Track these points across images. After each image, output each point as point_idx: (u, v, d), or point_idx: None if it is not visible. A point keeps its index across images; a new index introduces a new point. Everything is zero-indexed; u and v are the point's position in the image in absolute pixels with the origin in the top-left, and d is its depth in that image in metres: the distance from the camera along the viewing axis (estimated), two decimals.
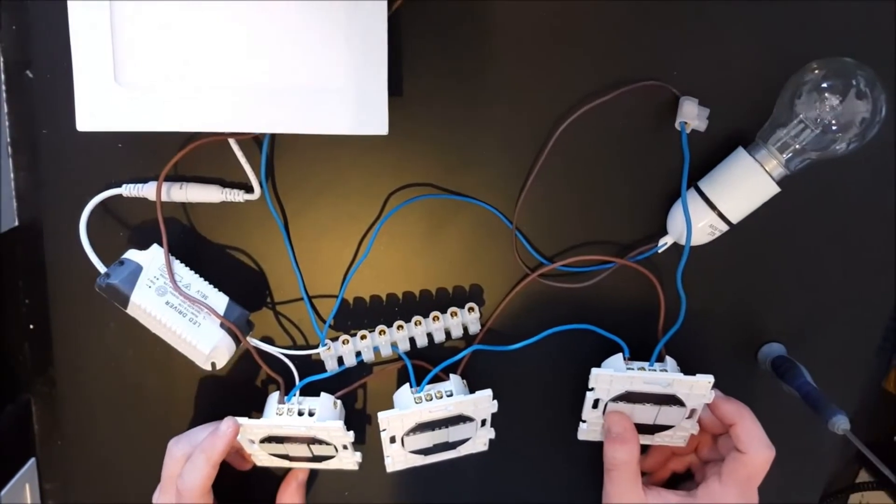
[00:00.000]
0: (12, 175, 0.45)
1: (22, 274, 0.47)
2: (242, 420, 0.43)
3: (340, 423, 0.43)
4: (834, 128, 0.38)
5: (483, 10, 0.42)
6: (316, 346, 0.46)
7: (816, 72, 0.39)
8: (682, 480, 0.48)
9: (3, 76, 0.44)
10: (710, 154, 0.43)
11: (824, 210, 0.45)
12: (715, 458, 0.45)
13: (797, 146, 0.39)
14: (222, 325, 0.42)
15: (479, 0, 0.42)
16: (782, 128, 0.40)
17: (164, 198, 0.44)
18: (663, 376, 0.42)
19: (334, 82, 0.38)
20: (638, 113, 0.44)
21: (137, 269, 0.42)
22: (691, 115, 0.42)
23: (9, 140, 0.45)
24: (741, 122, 0.43)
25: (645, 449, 0.48)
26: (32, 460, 0.50)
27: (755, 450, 0.40)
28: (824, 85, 0.38)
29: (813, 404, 0.41)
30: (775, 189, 0.41)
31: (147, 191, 0.44)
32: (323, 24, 0.38)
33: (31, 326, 0.48)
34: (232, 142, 0.43)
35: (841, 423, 0.39)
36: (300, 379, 0.45)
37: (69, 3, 0.37)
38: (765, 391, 0.47)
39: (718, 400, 0.42)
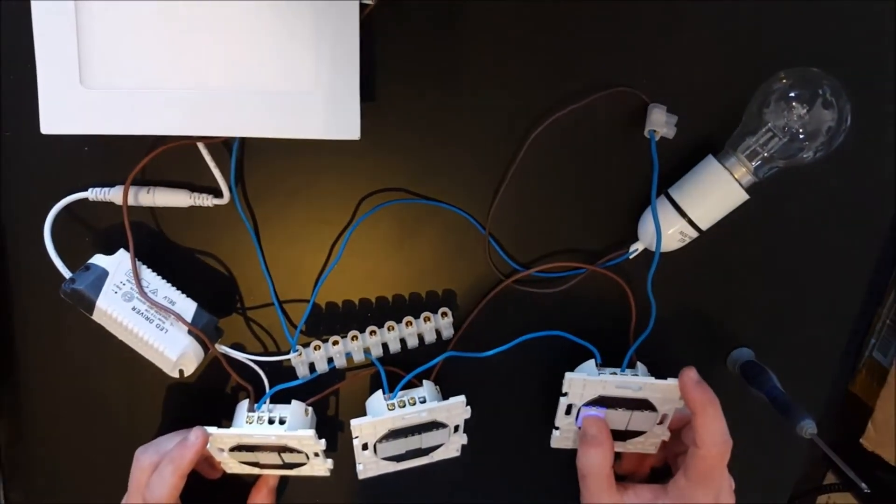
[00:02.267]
0: None
1: None
2: (211, 429, 0.42)
3: (312, 432, 0.42)
4: (801, 136, 0.39)
5: (456, 15, 0.42)
6: (287, 353, 0.46)
7: (784, 81, 0.39)
8: (663, 473, 0.49)
9: None
10: (680, 161, 0.44)
11: (792, 217, 0.46)
12: (682, 451, 0.45)
13: (765, 154, 0.40)
14: (190, 332, 0.41)
15: (453, 6, 0.42)
16: (751, 136, 0.40)
17: (131, 202, 0.43)
18: (635, 380, 0.43)
19: (306, 86, 0.38)
20: (609, 119, 0.44)
21: (103, 275, 0.41)
22: (660, 123, 0.42)
23: None
24: (710, 129, 0.43)
25: (618, 456, 0.48)
26: None
27: (710, 445, 0.40)
28: (792, 94, 0.39)
29: (781, 409, 0.42)
30: (744, 196, 0.41)
31: (113, 195, 0.43)
32: (294, 26, 0.37)
33: None
34: (201, 146, 0.42)
35: (808, 427, 0.40)
36: (271, 386, 0.45)
37: (32, 3, 0.36)
38: (734, 395, 0.47)
39: (691, 384, 0.41)
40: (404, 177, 0.45)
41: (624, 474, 0.49)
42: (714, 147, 0.42)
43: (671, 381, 0.42)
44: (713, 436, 0.40)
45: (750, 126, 0.40)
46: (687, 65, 0.43)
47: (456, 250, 0.46)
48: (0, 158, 0.44)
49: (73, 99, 0.38)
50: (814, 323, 0.48)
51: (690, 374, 0.41)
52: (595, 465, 0.43)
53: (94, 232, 0.45)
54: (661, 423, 0.44)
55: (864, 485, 0.41)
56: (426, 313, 0.45)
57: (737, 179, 0.41)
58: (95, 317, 0.41)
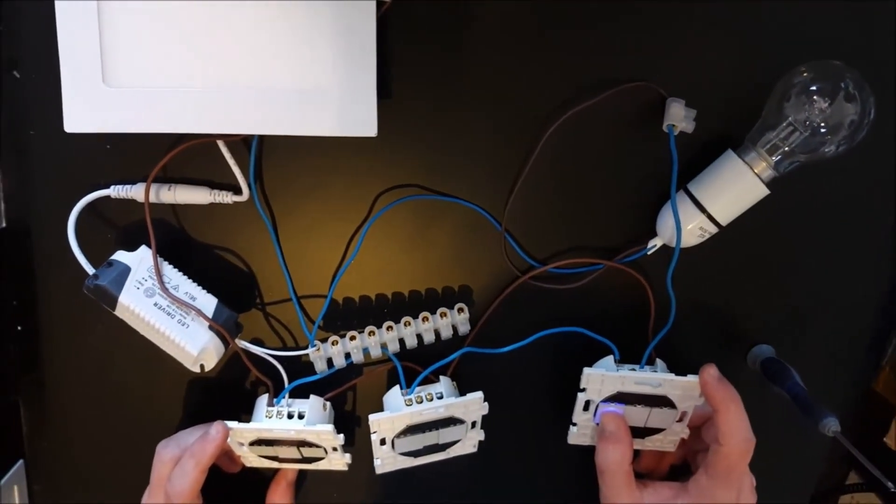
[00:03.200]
0: (0, 176, 0.45)
1: (10, 275, 0.47)
2: (232, 424, 0.42)
3: (330, 427, 0.42)
4: (823, 130, 0.38)
5: (471, 11, 0.42)
6: (305, 348, 0.46)
7: (805, 74, 0.39)
8: (681, 471, 0.48)
9: None
10: (698, 156, 0.43)
11: (813, 212, 0.45)
12: (702, 448, 0.45)
13: (786, 148, 0.39)
14: (211, 327, 0.42)
15: (468, 2, 0.42)
16: (771, 130, 0.40)
17: (152, 199, 0.43)
18: (654, 376, 0.42)
19: (323, 83, 0.38)
20: (626, 114, 0.44)
21: (126, 271, 0.42)
22: (678, 117, 0.42)
23: None
24: (729, 123, 0.43)
25: (637, 454, 0.48)
26: (21, 462, 0.50)
27: (732, 442, 0.40)
28: (813, 87, 0.38)
29: (803, 406, 0.41)
30: (765, 191, 0.41)
31: (135, 192, 0.43)
32: (312, 25, 0.38)
33: (19, 328, 0.48)
34: (220, 143, 0.43)
35: (831, 425, 0.39)
36: (289, 381, 0.45)
37: (56, 2, 0.37)
38: (755, 393, 0.46)
39: (713, 381, 0.41)
40: (420, 173, 0.45)
41: (643, 472, 0.48)
42: (733, 141, 0.42)
43: (691, 378, 0.42)
44: (736, 433, 0.40)
45: (770, 120, 0.40)
46: (705, 58, 0.43)
47: (472, 246, 0.46)
48: (25, 157, 0.44)
49: (95, 98, 0.38)
50: (835, 319, 0.47)
51: (711, 370, 0.41)
52: (614, 461, 0.43)
53: (116, 229, 0.46)
54: (680, 420, 0.44)
55: (890, 484, 0.40)
56: (442, 309, 0.46)
57: (757, 174, 0.40)
58: (118, 312, 0.41)
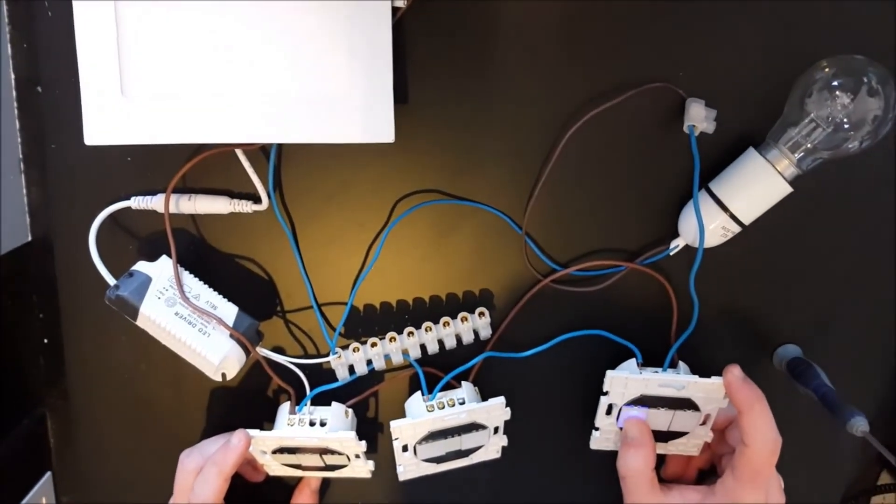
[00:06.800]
0: (24, 191, 0.46)
1: (35, 288, 0.47)
2: (254, 432, 0.42)
3: (352, 434, 0.42)
4: (846, 126, 0.38)
5: (488, 14, 0.42)
6: (327, 355, 0.46)
7: (827, 70, 0.38)
8: (709, 474, 0.48)
9: (14, 93, 0.44)
10: (719, 155, 0.43)
11: (838, 209, 0.44)
12: (728, 451, 0.44)
13: (809, 145, 0.39)
14: (232, 336, 0.42)
15: (484, 5, 0.42)
16: (793, 127, 0.39)
17: (172, 210, 0.44)
18: (678, 378, 0.42)
19: (340, 91, 0.38)
20: (645, 115, 0.43)
21: (147, 281, 0.42)
22: (698, 118, 0.41)
23: (21, 156, 0.45)
24: (750, 122, 0.43)
25: (663, 460, 0.47)
26: (48, 474, 0.50)
27: (759, 443, 0.39)
28: (835, 83, 0.38)
29: (830, 406, 0.41)
30: (787, 189, 0.40)
31: (155, 203, 0.44)
32: (328, 33, 0.38)
33: (46, 340, 0.48)
34: (239, 153, 0.43)
35: (860, 425, 0.39)
36: (311, 388, 0.45)
37: (75, 17, 0.37)
38: (781, 393, 0.46)
39: (737, 381, 0.40)
40: (439, 178, 0.45)
41: (670, 479, 0.48)
42: (755, 139, 0.41)
43: (715, 380, 0.41)
44: (762, 434, 0.39)
45: (792, 117, 0.39)
46: (724, 57, 0.42)
47: (492, 250, 0.46)
48: (46, 170, 0.45)
49: (114, 110, 0.38)
50: (863, 317, 0.46)
51: (735, 371, 0.40)
52: (636, 467, 0.42)
53: (137, 239, 0.46)
54: (703, 423, 0.43)
55: None
56: (463, 313, 0.45)
57: (779, 172, 0.40)
58: (139, 322, 0.42)
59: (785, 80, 0.40)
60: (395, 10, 0.39)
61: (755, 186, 0.40)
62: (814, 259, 0.45)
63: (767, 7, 0.41)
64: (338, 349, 0.46)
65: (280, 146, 0.44)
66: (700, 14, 0.42)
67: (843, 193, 0.44)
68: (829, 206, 0.44)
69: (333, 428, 0.43)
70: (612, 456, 0.44)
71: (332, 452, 0.44)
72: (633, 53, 0.43)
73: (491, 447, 0.46)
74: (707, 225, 0.41)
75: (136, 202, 0.44)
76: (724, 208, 0.41)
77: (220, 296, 0.43)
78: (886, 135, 0.38)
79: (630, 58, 0.43)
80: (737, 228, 0.42)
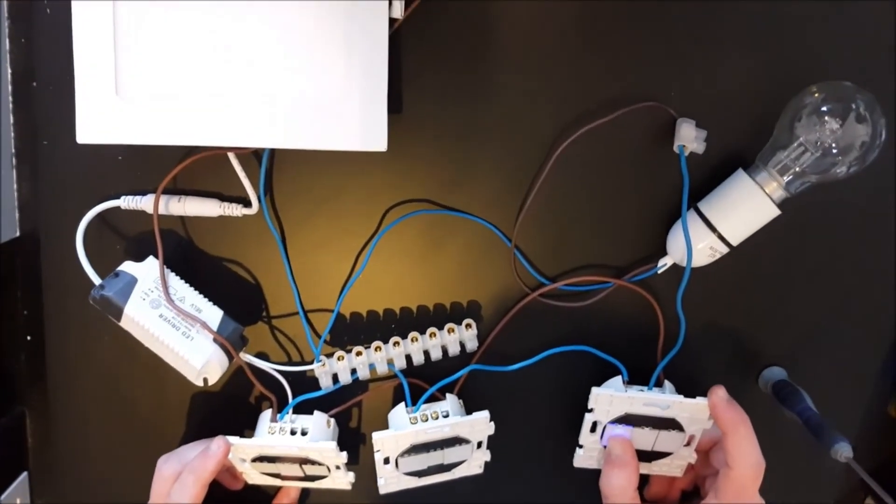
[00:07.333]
0: (15, 185, 0.45)
1: (21, 284, 0.47)
2: (233, 439, 0.42)
3: (333, 445, 0.42)
4: (834, 151, 0.38)
5: (483, 27, 0.43)
6: (311, 363, 0.46)
7: (816, 95, 0.39)
8: (692, 496, 0.47)
9: (10, 87, 0.44)
10: (708, 175, 0.43)
11: (825, 232, 0.45)
12: (711, 473, 0.44)
13: (797, 169, 0.39)
14: (215, 340, 0.42)
15: (480, 18, 0.42)
16: (782, 150, 0.40)
17: (162, 211, 0.44)
18: (663, 398, 0.42)
19: (334, 98, 0.39)
20: (637, 133, 0.44)
21: (132, 282, 0.42)
22: (689, 138, 0.42)
23: (13, 151, 0.45)
24: (740, 143, 0.43)
25: (646, 480, 0.47)
26: (25, 474, 0.49)
27: (743, 466, 0.39)
28: (824, 108, 0.38)
29: (815, 431, 0.41)
30: (776, 211, 0.40)
31: (145, 203, 0.44)
32: (323, 40, 0.38)
33: (28, 337, 0.48)
34: (231, 156, 0.43)
35: (844, 451, 0.39)
36: (294, 396, 0.45)
37: (73, 16, 0.37)
38: (766, 416, 0.46)
39: (722, 403, 0.40)
40: (430, 188, 0.45)
41: (652, 500, 0.47)
42: (744, 161, 0.42)
43: (700, 400, 0.41)
44: (746, 456, 0.39)
45: (781, 140, 0.40)
46: (716, 79, 0.43)
47: (481, 262, 0.46)
48: (37, 167, 0.45)
49: (108, 110, 0.38)
50: (849, 342, 0.46)
51: (720, 392, 0.40)
52: (619, 486, 0.42)
53: (125, 239, 0.46)
54: (688, 444, 0.43)
55: None
56: (450, 324, 0.45)
57: (768, 194, 0.40)
58: (123, 323, 0.41)
59: (775, 103, 0.41)
60: (391, 20, 0.39)
61: (744, 208, 0.41)
62: (800, 281, 0.46)
63: (760, 31, 0.42)
64: (322, 357, 0.46)
65: (272, 151, 0.44)
66: (693, 36, 0.42)
67: (830, 217, 0.44)
68: (816, 229, 0.45)
69: (315, 438, 0.43)
70: (595, 474, 0.44)
71: (313, 463, 0.43)
72: (627, 72, 0.43)
73: (474, 462, 0.45)
74: (695, 245, 0.42)
75: (126, 202, 0.44)
76: (713, 229, 0.41)
77: (206, 299, 0.43)
78: (873, 160, 0.38)
79: (623, 76, 0.43)
80: (724, 249, 0.42)
